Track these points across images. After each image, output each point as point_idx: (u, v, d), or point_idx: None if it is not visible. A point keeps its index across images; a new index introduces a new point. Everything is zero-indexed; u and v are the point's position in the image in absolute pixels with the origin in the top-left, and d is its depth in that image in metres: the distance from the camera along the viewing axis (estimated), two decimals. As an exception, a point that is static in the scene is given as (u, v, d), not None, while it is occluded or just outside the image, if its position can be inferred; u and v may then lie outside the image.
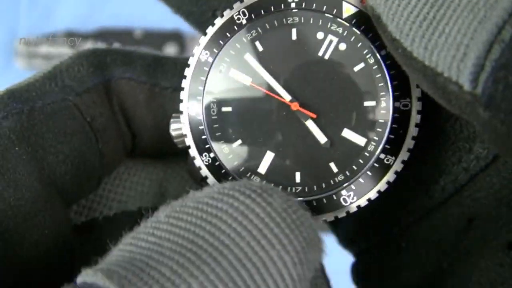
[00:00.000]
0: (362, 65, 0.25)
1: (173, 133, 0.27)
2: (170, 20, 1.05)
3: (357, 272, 0.34)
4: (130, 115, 0.29)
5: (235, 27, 0.26)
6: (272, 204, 0.20)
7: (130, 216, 0.30)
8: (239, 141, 0.27)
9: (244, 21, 0.26)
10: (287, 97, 0.26)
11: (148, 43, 0.93)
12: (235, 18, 0.26)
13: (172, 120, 0.27)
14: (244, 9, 0.26)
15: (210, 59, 0.26)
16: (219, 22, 0.26)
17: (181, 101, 0.27)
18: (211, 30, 0.26)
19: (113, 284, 0.17)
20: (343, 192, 0.26)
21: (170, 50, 0.93)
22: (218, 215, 0.19)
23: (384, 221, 0.30)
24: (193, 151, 0.27)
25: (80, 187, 0.27)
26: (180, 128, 0.27)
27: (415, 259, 0.29)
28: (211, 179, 0.27)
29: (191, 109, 0.27)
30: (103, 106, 0.28)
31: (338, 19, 0.25)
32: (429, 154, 0.27)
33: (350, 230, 0.33)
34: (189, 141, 0.27)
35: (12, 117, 0.25)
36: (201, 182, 0.27)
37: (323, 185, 0.26)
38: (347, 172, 0.26)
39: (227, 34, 0.26)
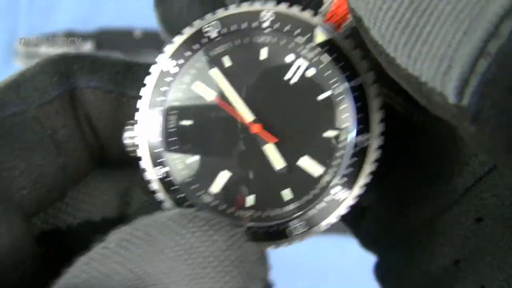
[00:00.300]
0: (327, 93, 0.25)
1: (126, 142, 0.26)
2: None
3: (380, 270, 0.34)
4: (96, 125, 0.27)
5: (203, 39, 0.25)
6: (217, 242, 0.20)
7: (94, 225, 0.29)
8: (196, 157, 0.25)
9: (214, 34, 0.25)
10: (249, 117, 0.25)
11: (148, 43, 0.93)
12: (204, 30, 0.25)
13: (126, 127, 0.26)
14: (215, 22, 0.25)
15: (175, 70, 0.25)
16: (187, 31, 0.25)
17: (137, 110, 0.26)
18: (178, 39, 0.25)
19: None
20: (292, 222, 0.24)
21: (170, 50, 0.93)
22: (165, 251, 0.20)
23: (405, 216, 0.29)
24: (144, 163, 0.25)
25: (41, 200, 0.26)
26: (132, 137, 0.26)
27: (432, 253, 0.29)
28: (160, 195, 0.25)
29: (148, 119, 0.25)
30: (67, 117, 0.26)
31: (310, 44, 0.24)
32: (445, 153, 0.26)
33: (370, 230, 0.32)
34: (142, 152, 0.25)
35: None
36: (150, 195, 0.26)
37: (275, 212, 0.25)
38: (300, 202, 0.25)
39: (195, 45, 0.25)
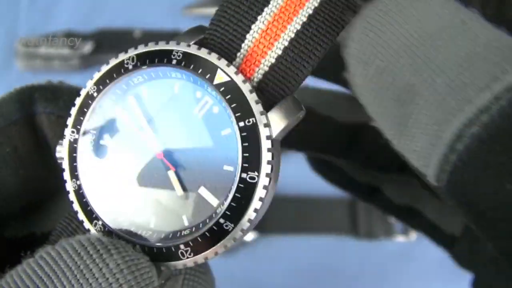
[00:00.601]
0: (229, 130, 0.26)
1: (57, 155, 0.28)
2: (170, 21, 1.05)
3: (480, 286, 0.38)
4: (52, 145, 0.31)
5: (123, 70, 0.27)
6: (108, 265, 0.23)
7: (36, 240, 0.31)
8: (107, 174, 0.28)
9: (130, 67, 0.27)
10: (155, 144, 0.27)
11: (148, 43, 0.93)
12: (125, 62, 0.27)
13: (59, 142, 0.28)
14: (134, 56, 0.27)
15: (96, 94, 0.28)
16: (112, 62, 0.28)
17: (66, 126, 0.28)
18: (104, 68, 0.28)
19: None
20: (182, 246, 0.26)
21: (170, 50, 0.93)
22: (57, 273, 0.23)
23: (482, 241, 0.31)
24: (65, 175, 0.28)
25: (3, 207, 0.30)
26: (60, 151, 0.28)
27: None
28: (75, 205, 0.27)
29: (71, 136, 0.28)
30: (26, 137, 0.31)
31: (213, 84, 0.26)
32: None
33: (464, 254, 0.36)
34: (65, 164, 0.28)
35: None
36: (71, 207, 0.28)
37: (170, 235, 0.26)
38: (193, 228, 0.26)
39: (115, 75, 0.27)
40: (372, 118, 0.25)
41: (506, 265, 0.28)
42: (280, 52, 0.26)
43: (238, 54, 0.27)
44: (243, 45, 0.27)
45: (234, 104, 0.25)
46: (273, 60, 0.26)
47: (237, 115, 0.25)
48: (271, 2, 0.26)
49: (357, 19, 0.25)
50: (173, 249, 0.26)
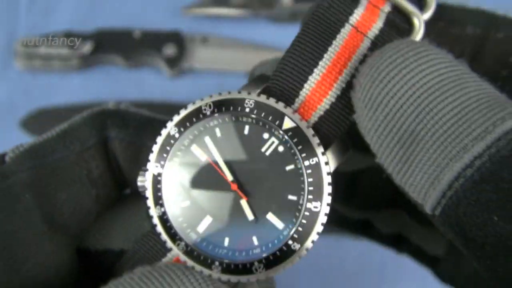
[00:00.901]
0: (292, 166, 0.32)
1: (138, 184, 0.33)
2: (170, 21, 1.05)
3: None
4: (123, 167, 0.36)
5: (201, 115, 0.32)
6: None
7: (113, 255, 0.37)
8: (187, 202, 0.33)
9: (208, 112, 0.32)
10: (230, 177, 0.32)
11: (148, 43, 0.93)
12: (202, 108, 0.32)
13: (140, 173, 0.33)
14: (210, 103, 0.32)
15: (177, 135, 0.32)
16: (190, 107, 0.32)
17: (149, 160, 0.33)
18: (183, 112, 0.32)
19: None
20: (256, 263, 0.32)
21: (169, 50, 0.93)
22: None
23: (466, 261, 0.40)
24: (149, 202, 0.33)
25: (78, 222, 0.35)
26: (143, 181, 0.33)
27: None
28: (159, 228, 0.33)
29: (155, 169, 0.33)
30: (99, 160, 0.35)
31: (280, 128, 0.31)
32: None
33: (446, 273, 0.43)
34: (148, 193, 0.33)
35: (26, 171, 0.33)
36: (152, 229, 0.34)
37: (243, 253, 0.32)
38: (263, 247, 0.32)
39: (194, 119, 0.32)
40: (376, 155, 0.29)
41: (484, 283, 0.36)
42: (333, 100, 0.32)
43: (297, 99, 0.32)
44: (301, 92, 0.32)
45: (300, 146, 0.31)
46: (327, 106, 0.32)
47: (302, 155, 0.31)
48: (325, 56, 0.31)
49: (365, 66, 0.29)
50: (248, 265, 0.32)
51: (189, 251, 0.32)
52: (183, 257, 0.32)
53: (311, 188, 0.31)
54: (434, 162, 0.26)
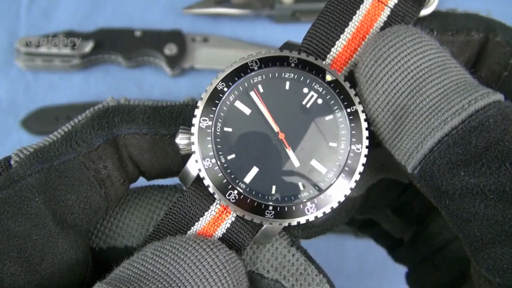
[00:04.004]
0: (331, 116, 0.35)
1: (181, 142, 0.34)
2: (171, 20, 1.05)
3: (411, 277, 0.54)
4: (138, 159, 0.37)
5: (248, 70, 0.35)
6: (218, 256, 0.31)
7: (118, 252, 0.38)
8: (233, 155, 0.34)
9: (255, 68, 0.35)
10: (275, 128, 0.35)
11: (148, 43, 0.93)
12: (249, 64, 0.35)
13: (180, 131, 0.34)
14: (257, 59, 0.35)
15: (226, 89, 0.34)
16: (235, 64, 0.35)
17: (195, 116, 0.34)
18: (228, 68, 0.35)
19: None
20: (308, 203, 0.34)
21: (170, 50, 0.93)
22: (184, 259, 0.31)
23: (424, 246, 0.49)
24: (196, 156, 0.34)
25: (89, 220, 0.36)
26: (187, 137, 0.34)
27: (443, 274, 0.48)
28: (207, 181, 0.34)
29: (202, 123, 0.34)
30: (107, 160, 0.36)
31: (321, 81, 0.35)
32: None
33: (403, 254, 0.53)
34: (195, 147, 0.34)
35: (35, 175, 0.33)
36: (194, 183, 0.35)
37: (292, 197, 0.34)
38: (310, 191, 0.34)
39: (241, 74, 0.35)
40: (372, 124, 0.35)
41: (443, 264, 0.47)
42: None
43: (328, 56, 0.36)
44: (328, 56, 0.36)
45: (342, 96, 0.35)
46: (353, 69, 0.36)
47: (344, 103, 0.35)
48: (354, 18, 0.35)
49: (368, 47, 0.34)
50: (301, 206, 0.34)
51: (241, 200, 0.34)
52: (233, 208, 0.34)
53: (353, 132, 0.34)
54: (419, 131, 0.32)
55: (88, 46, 0.92)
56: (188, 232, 0.35)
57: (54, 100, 0.92)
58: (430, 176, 0.32)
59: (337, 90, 0.35)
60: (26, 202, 0.32)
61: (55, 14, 0.98)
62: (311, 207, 0.34)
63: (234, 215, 0.35)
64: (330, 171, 0.34)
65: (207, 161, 0.34)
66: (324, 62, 0.36)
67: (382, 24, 0.36)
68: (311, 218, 0.34)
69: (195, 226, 0.35)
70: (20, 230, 0.32)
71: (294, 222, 0.34)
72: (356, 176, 0.34)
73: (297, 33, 0.38)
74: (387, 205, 0.49)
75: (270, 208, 0.34)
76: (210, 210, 0.35)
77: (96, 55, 0.93)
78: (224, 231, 0.35)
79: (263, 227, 0.35)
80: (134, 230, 0.38)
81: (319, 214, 0.34)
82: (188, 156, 0.35)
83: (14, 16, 0.98)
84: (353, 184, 0.34)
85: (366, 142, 0.35)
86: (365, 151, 0.35)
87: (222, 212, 0.35)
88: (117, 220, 0.39)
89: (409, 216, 0.49)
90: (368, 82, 0.34)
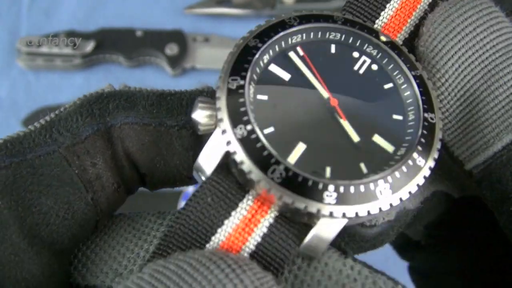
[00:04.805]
0: (391, 84, 0.28)
1: (200, 115, 0.26)
2: (172, 20, 1.05)
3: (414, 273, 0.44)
4: (137, 158, 0.29)
5: (287, 26, 0.27)
6: (243, 281, 0.21)
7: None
8: (272, 129, 0.26)
9: (296, 23, 0.28)
10: (326, 94, 0.27)
11: (150, 43, 0.93)
12: (287, 20, 0.28)
13: (198, 101, 0.26)
14: (296, 16, 0.28)
15: (260, 44, 0.27)
16: (271, 21, 0.28)
17: (220, 77, 0.26)
18: (265, 24, 0.28)
19: None
20: (380, 183, 0.25)
21: (172, 50, 0.93)
22: (193, 285, 0.21)
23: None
24: (225, 125, 0.25)
25: (72, 236, 0.27)
26: (210, 107, 0.26)
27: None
28: (240, 154, 0.24)
29: (230, 83, 0.26)
30: (97, 156, 0.28)
31: (375, 42, 0.28)
32: None
33: (418, 257, 0.43)
34: (223, 113, 0.25)
35: (1, 171, 0.25)
36: (217, 171, 0.26)
37: (354, 181, 0.25)
38: (377, 174, 0.25)
39: (279, 29, 0.27)
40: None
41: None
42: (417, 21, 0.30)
43: (377, 21, 0.29)
44: (383, 12, 0.30)
45: (403, 58, 0.28)
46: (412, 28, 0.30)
47: (407, 65, 0.28)
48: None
49: (437, 16, 0.28)
50: (371, 187, 0.24)
51: (290, 178, 0.24)
52: (278, 191, 0.23)
53: (424, 98, 0.27)
54: (491, 124, 0.27)
55: (89, 46, 0.92)
56: (207, 245, 0.25)
57: (55, 99, 0.92)
58: (498, 178, 0.27)
59: (396, 51, 0.28)
60: None
61: (56, 14, 0.99)
62: (384, 189, 0.24)
63: (273, 215, 0.25)
64: (400, 147, 0.26)
65: (240, 129, 0.24)
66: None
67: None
68: (384, 206, 0.24)
69: (217, 235, 0.25)
70: None
71: (363, 210, 0.24)
72: (434, 154, 0.26)
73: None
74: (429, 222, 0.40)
75: (331, 188, 0.24)
76: (239, 209, 0.25)
77: (97, 55, 0.93)
78: (260, 239, 0.25)
79: (314, 227, 0.25)
80: (123, 267, 0.28)
81: (395, 200, 0.25)
82: (208, 136, 0.26)
83: (15, 16, 0.98)
84: (432, 163, 0.26)
85: (439, 113, 0.27)
86: (439, 123, 0.27)
87: (256, 211, 0.25)
88: (102, 250, 0.28)
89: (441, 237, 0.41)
90: (436, 58, 0.27)
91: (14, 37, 0.96)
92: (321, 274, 0.25)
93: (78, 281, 0.28)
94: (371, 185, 0.24)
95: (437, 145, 0.26)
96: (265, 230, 0.25)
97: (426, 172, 0.26)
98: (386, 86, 0.28)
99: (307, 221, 0.25)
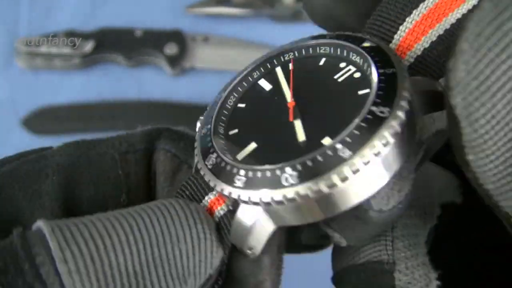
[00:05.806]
0: (367, 90, 0.26)
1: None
2: (171, 20, 1.05)
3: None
4: (157, 180, 0.33)
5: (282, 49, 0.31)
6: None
7: None
8: (236, 130, 0.28)
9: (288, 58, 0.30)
10: (288, 98, 0.28)
11: (149, 42, 0.93)
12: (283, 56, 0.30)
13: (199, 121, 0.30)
14: (289, 44, 0.30)
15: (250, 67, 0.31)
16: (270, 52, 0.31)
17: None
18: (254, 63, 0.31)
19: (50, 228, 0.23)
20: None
21: (171, 49, 0.93)
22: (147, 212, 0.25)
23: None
24: (197, 136, 0.29)
25: None
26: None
27: None
28: (197, 142, 0.29)
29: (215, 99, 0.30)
30: (141, 166, 0.32)
31: (358, 49, 0.28)
32: None
33: None
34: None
35: (63, 156, 0.31)
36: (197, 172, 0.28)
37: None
38: (287, 162, 0.25)
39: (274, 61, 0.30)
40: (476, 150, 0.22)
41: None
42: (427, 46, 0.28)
43: (393, 40, 0.29)
44: (396, 34, 0.29)
45: (376, 59, 0.27)
46: (419, 53, 0.28)
47: (378, 65, 0.26)
48: (425, 1, 0.28)
49: (471, 32, 0.21)
50: (278, 173, 0.24)
51: (217, 164, 0.26)
52: (208, 176, 0.26)
53: (380, 93, 0.25)
54: None
55: (89, 46, 0.92)
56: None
57: (55, 99, 0.92)
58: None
59: (372, 54, 0.27)
60: (43, 178, 0.29)
61: (56, 14, 0.98)
62: (290, 176, 0.23)
63: (225, 207, 0.26)
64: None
65: (205, 128, 0.29)
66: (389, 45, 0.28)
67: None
68: (289, 193, 0.23)
69: None
70: (23, 203, 0.29)
71: (266, 196, 0.24)
72: (376, 147, 0.23)
73: (298, 33, 0.38)
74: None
75: (242, 173, 0.25)
76: (204, 201, 0.27)
77: (96, 54, 0.93)
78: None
79: (236, 213, 0.26)
80: None
81: (301, 189, 0.23)
82: None
83: (14, 16, 0.98)
84: (368, 158, 0.23)
85: (404, 106, 0.24)
86: (400, 114, 0.23)
87: (215, 202, 0.27)
88: None
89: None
90: (465, 71, 0.20)
91: (13, 37, 0.96)
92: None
93: None
94: (277, 171, 0.24)
95: (375, 146, 0.23)
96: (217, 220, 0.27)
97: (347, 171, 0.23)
98: (361, 92, 0.26)
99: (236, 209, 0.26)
